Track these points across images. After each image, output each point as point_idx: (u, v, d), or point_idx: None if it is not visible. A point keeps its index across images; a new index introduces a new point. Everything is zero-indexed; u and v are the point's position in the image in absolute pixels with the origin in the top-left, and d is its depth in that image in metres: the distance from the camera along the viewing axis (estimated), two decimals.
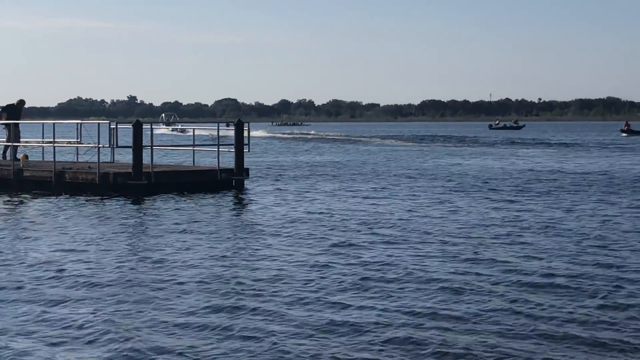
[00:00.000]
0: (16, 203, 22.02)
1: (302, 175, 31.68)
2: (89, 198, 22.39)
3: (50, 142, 26.18)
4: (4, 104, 28.30)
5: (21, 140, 28.44)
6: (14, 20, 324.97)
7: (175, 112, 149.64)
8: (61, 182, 24.31)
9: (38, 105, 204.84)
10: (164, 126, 75.01)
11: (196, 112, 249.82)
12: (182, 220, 18.09)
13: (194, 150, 27.92)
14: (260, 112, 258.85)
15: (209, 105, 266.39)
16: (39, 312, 9.78)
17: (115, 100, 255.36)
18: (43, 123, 28.02)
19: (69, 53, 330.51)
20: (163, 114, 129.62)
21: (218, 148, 25.82)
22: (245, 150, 25.57)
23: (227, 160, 26.77)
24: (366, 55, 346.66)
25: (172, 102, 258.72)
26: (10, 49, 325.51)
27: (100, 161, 23.84)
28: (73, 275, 11.96)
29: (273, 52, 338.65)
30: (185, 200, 22.02)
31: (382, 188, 26.01)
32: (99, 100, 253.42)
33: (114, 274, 12.05)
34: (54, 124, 26.29)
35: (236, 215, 19.70)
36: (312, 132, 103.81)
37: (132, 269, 12.44)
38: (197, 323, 9.31)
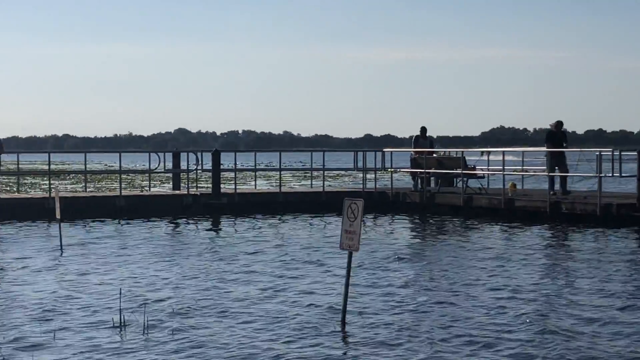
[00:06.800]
0: (505, 233, 21.14)
1: None
2: (591, 230, 20.89)
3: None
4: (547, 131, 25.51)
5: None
6: (451, 51, 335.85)
7: (600, 140, 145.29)
8: (556, 213, 23.00)
9: (462, 135, 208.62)
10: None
11: (621, 140, 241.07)
12: None
13: None
14: None
15: (634, 132, 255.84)
16: None
17: (537, 129, 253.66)
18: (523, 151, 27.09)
19: (493, 81, 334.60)
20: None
21: None
22: None
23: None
24: None
25: (595, 129, 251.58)
26: (436, 78, 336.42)
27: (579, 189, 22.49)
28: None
29: None
30: None
31: None
32: (521, 128, 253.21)
33: None
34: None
35: None
36: None
37: None
38: None
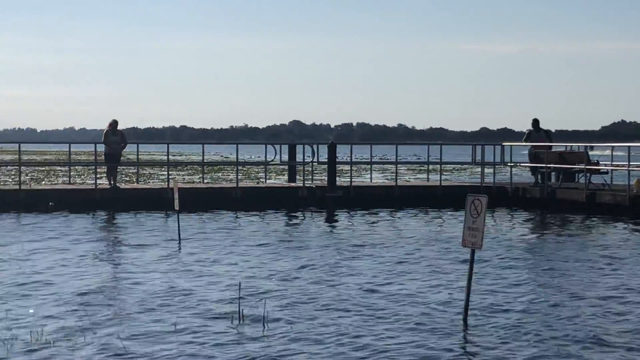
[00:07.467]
0: (630, 231, 20.43)
1: None
2: None
3: None
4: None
5: None
6: (570, 44, 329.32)
7: None
8: None
9: (581, 129, 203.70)
10: None
11: None
12: None
13: None
14: None
15: None
16: None
17: None
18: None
19: (614, 74, 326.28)
20: None
21: None
22: None
23: None
24: None
25: None
26: (555, 71, 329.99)
27: None
28: None
29: None
30: None
31: None
32: None
33: None
34: None
35: None
36: None
37: None
38: None
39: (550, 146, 27.67)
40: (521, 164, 29.91)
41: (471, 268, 10.25)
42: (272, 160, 29.55)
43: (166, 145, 30.92)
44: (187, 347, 9.05)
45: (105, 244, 17.84)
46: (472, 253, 10.23)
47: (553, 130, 29.12)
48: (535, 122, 27.75)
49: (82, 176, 39.59)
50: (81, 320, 10.23)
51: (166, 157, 30.06)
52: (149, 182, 34.93)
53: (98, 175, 27.42)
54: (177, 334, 9.58)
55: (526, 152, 29.26)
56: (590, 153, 27.65)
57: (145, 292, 12.14)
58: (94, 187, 26.42)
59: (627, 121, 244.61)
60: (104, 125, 26.87)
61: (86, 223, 21.80)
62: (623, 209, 23.54)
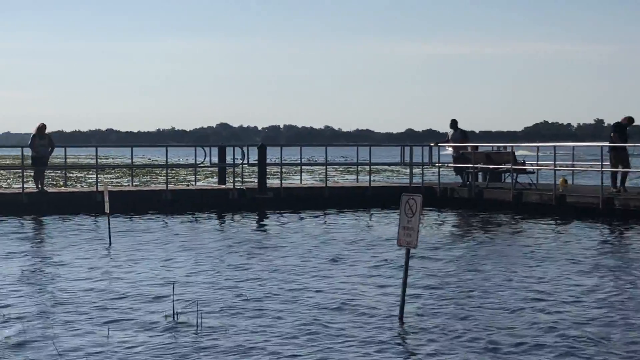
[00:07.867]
0: (557, 229, 20.84)
1: None
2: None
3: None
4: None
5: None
6: (493, 46, 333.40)
7: None
8: (609, 209, 22.53)
9: (505, 130, 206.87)
10: None
11: None
12: None
13: None
14: None
15: None
16: None
17: (581, 124, 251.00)
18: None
19: (538, 77, 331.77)
20: None
21: None
22: None
23: None
24: None
25: None
26: (479, 73, 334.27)
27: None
28: None
29: None
30: None
31: None
32: (564, 123, 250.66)
33: None
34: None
35: None
36: None
37: None
38: None
39: (475, 146, 28.17)
40: (448, 164, 30.28)
41: (406, 267, 10.35)
42: (202, 163, 29.41)
43: (94, 148, 30.55)
44: (118, 352, 8.97)
45: (32, 248, 17.56)
46: (407, 252, 10.32)
47: (477, 131, 29.77)
48: (454, 122, 28.35)
49: (8, 180, 38.91)
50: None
51: (94, 160, 29.70)
52: (76, 185, 34.48)
53: (25, 179, 26.96)
54: (110, 339, 9.48)
55: (447, 152, 29.87)
56: (517, 153, 28.18)
57: (77, 297, 11.98)
58: (20, 191, 25.97)
59: (550, 122, 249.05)
60: (29, 129, 26.47)
61: (12, 227, 21.43)
62: (549, 207, 23.99)
